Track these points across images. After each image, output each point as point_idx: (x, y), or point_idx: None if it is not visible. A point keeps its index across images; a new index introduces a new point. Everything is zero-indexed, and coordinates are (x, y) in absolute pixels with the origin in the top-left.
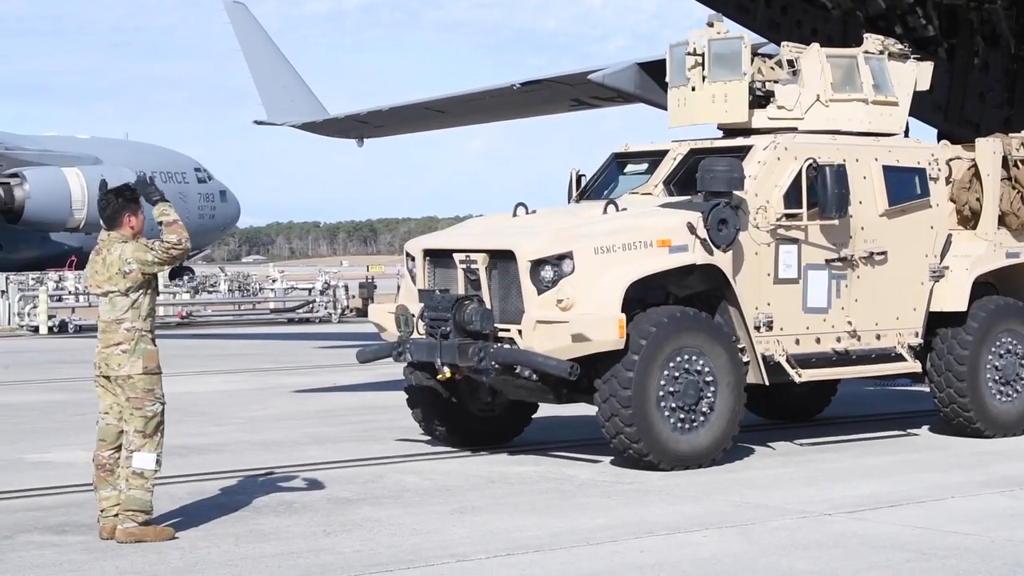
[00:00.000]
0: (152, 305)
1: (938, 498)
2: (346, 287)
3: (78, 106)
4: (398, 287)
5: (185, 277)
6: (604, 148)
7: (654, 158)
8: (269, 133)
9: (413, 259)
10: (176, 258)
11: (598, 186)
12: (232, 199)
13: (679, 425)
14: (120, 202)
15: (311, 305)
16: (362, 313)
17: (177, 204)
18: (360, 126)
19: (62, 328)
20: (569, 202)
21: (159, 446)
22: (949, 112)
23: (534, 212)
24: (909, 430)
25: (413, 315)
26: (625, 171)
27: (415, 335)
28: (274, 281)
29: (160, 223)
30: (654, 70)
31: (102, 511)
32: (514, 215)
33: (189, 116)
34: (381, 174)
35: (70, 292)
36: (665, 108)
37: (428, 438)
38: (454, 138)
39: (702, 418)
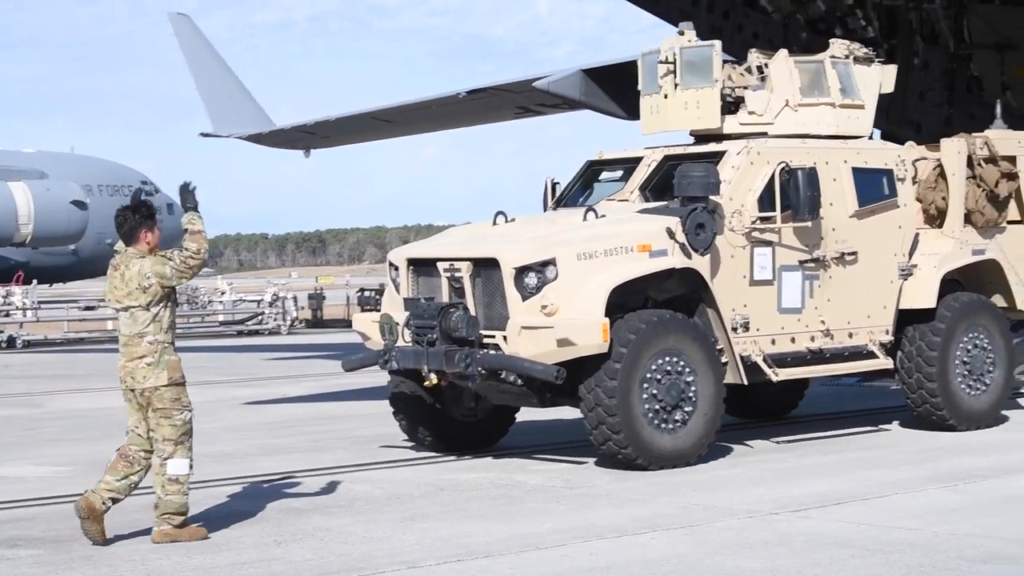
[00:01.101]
0: (172, 317)
1: (883, 495)
2: (295, 299)
3: (25, 119)
4: (347, 297)
5: None
6: (552, 155)
7: (629, 165)
8: (216, 145)
9: (397, 268)
10: (193, 268)
11: (574, 193)
12: (179, 212)
13: (663, 426)
14: (137, 219)
15: (260, 317)
16: (312, 324)
17: None
18: (307, 137)
19: (10, 343)
20: (545, 209)
21: (190, 450)
22: (891, 112)
23: (513, 220)
24: (881, 426)
25: (398, 323)
26: (600, 178)
27: (400, 343)
28: (222, 293)
29: (185, 230)
30: (598, 76)
31: (93, 489)
32: (494, 223)
33: (137, 128)
34: (329, 184)
35: (17, 307)
36: (609, 113)
37: (376, 447)
38: (403, 147)
39: (685, 418)
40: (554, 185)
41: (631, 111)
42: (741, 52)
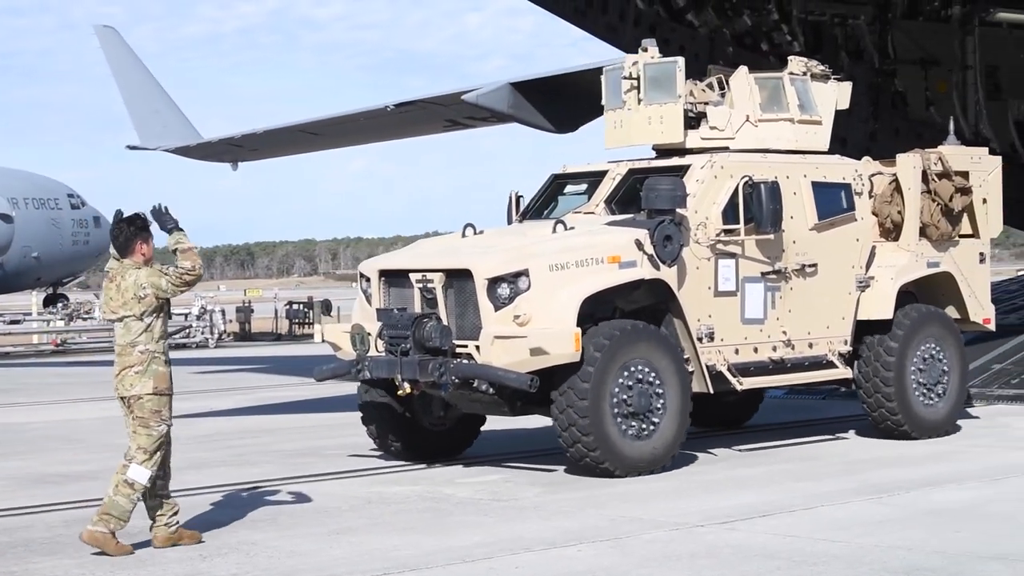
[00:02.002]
0: (164, 328)
1: (808, 507)
2: (223, 312)
3: None
4: (275, 311)
5: (59, 304)
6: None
7: (593, 178)
8: (143, 158)
9: (368, 280)
10: (189, 284)
11: (539, 206)
12: (106, 225)
13: (632, 433)
14: (132, 231)
15: (187, 330)
16: (240, 338)
17: (50, 231)
18: (234, 149)
19: None
20: (510, 222)
21: (156, 466)
22: None
23: (482, 232)
24: (838, 434)
25: (369, 334)
26: (564, 191)
27: (372, 353)
28: None
29: (175, 251)
30: (527, 90)
31: (153, 521)
32: (463, 235)
33: (63, 141)
34: (258, 197)
35: None
36: (537, 127)
37: (303, 460)
38: (332, 160)
39: (653, 426)
40: (518, 198)
41: (559, 124)
42: None
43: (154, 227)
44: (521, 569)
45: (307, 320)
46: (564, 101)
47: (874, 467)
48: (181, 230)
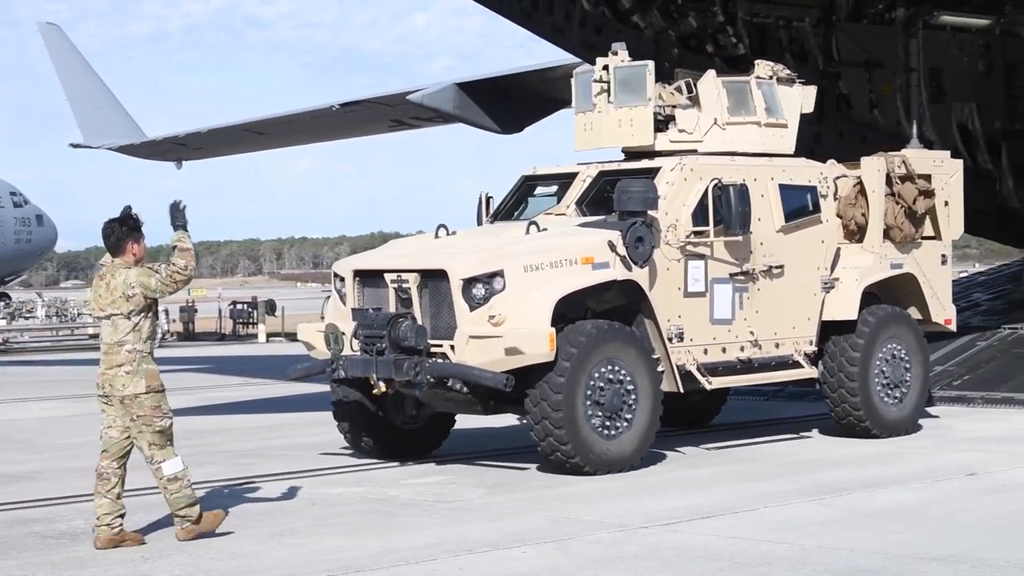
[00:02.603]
0: (153, 328)
1: (752, 508)
2: (166, 311)
3: None
4: (219, 310)
5: (1, 303)
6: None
7: (564, 180)
8: (86, 156)
9: (342, 280)
10: (179, 283)
11: (509, 207)
12: (49, 223)
13: (604, 432)
14: (124, 230)
15: None
16: (183, 337)
17: None
18: (178, 148)
19: None
20: (480, 223)
21: (175, 451)
22: None
23: (454, 233)
24: (802, 433)
25: (343, 333)
26: (535, 193)
27: (347, 352)
28: None
29: (174, 247)
30: (473, 90)
31: (97, 519)
32: (436, 236)
33: (6, 139)
34: (202, 196)
35: None
36: (482, 127)
37: (246, 461)
38: (278, 159)
39: (625, 424)
40: (488, 199)
41: (505, 125)
42: None
43: (148, 226)
44: (464, 571)
45: (251, 320)
46: (510, 102)
47: (817, 468)
48: (187, 231)
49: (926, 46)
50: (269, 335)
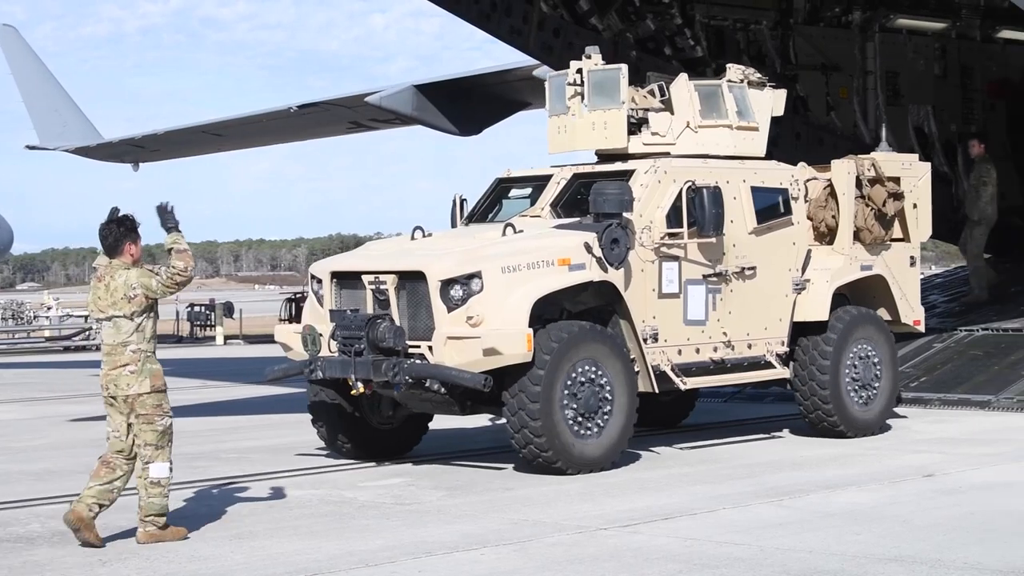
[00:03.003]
0: (155, 328)
1: (710, 509)
2: None
3: None
4: (176, 312)
5: None
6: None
7: (538, 182)
8: (43, 158)
9: (319, 281)
10: (180, 284)
11: (483, 210)
12: (4, 225)
13: (582, 432)
14: (121, 231)
15: (87, 332)
16: None
17: None
18: (135, 150)
19: None
20: (454, 225)
21: (170, 456)
22: None
23: (431, 235)
24: (773, 433)
25: (321, 334)
26: (509, 195)
27: (324, 353)
28: (49, 309)
29: (170, 250)
30: (431, 92)
31: (78, 498)
32: (412, 238)
33: None
34: (159, 198)
35: None
36: (440, 129)
37: (203, 463)
38: (235, 161)
39: (601, 424)
40: (463, 201)
41: (462, 127)
42: None
43: (143, 227)
44: (423, 573)
45: (209, 322)
46: (468, 104)
47: (776, 470)
48: (180, 231)
49: (882, 49)
50: (227, 337)
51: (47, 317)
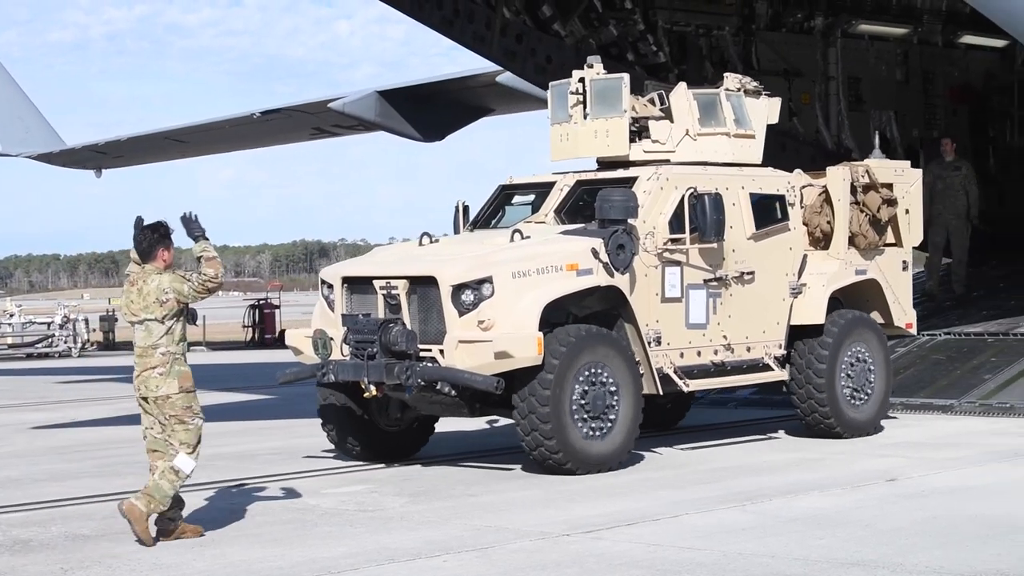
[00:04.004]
0: (184, 331)
1: (673, 515)
2: (86, 321)
3: None
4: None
5: None
6: (350, 176)
7: (541, 189)
8: (4, 164)
9: (330, 286)
10: (211, 291)
11: (487, 216)
12: None
13: (590, 433)
14: (155, 237)
15: (50, 339)
16: (104, 347)
17: None
18: (98, 156)
19: None
20: (456, 231)
21: (198, 457)
22: None
23: (437, 241)
24: (769, 434)
25: (332, 338)
26: (512, 202)
27: (335, 357)
28: (11, 315)
29: (199, 258)
30: (394, 98)
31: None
32: (420, 244)
33: None
34: (123, 204)
35: None
36: (404, 135)
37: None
38: (200, 167)
39: (609, 425)
40: (465, 208)
41: (425, 133)
42: (534, 76)
43: (176, 234)
44: None
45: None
46: (431, 110)
47: (738, 475)
48: (207, 239)
49: (844, 55)
50: (190, 344)
51: (10, 324)
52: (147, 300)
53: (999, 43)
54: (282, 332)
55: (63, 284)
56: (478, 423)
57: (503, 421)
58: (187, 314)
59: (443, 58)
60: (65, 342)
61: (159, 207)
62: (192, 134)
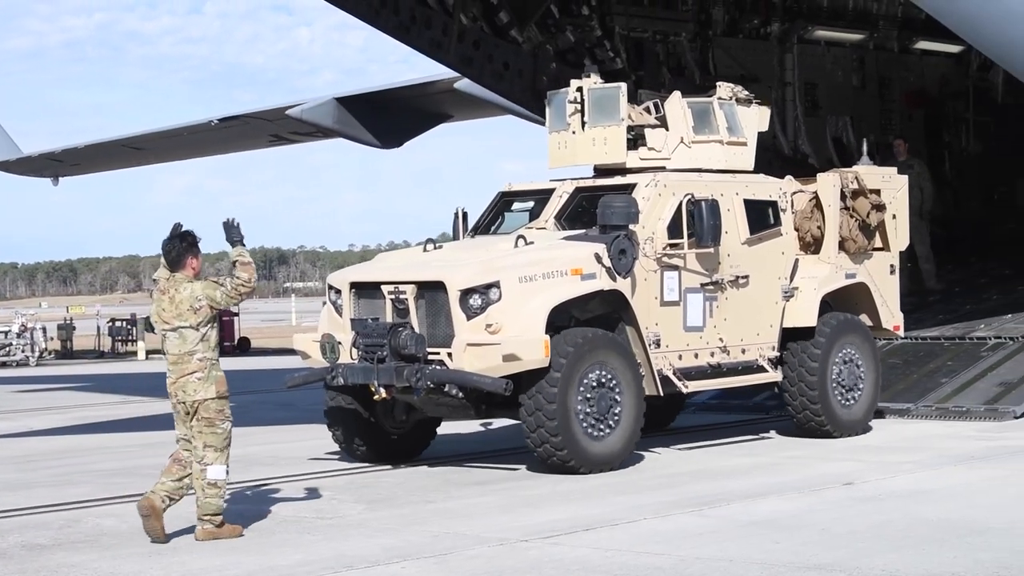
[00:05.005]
0: (218, 337)
1: (631, 520)
2: (44, 329)
3: None
4: (98, 328)
5: None
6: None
7: (541, 196)
8: None
9: (338, 292)
10: (244, 295)
11: (487, 222)
12: None
13: (594, 432)
14: (184, 246)
15: (8, 348)
16: (61, 356)
17: None
18: (55, 164)
19: None
20: (455, 236)
21: (228, 459)
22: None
23: (440, 247)
24: (761, 434)
25: (339, 343)
26: (512, 208)
27: (343, 360)
28: None
29: (235, 263)
30: (352, 104)
31: (152, 490)
32: (424, 249)
33: None
34: (81, 213)
35: None
36: (362, 141)
37: (123, 480)
38: (158, 174)
39: (612, 425)
40: (464, 214)
41: (384, 139)
42: (492, 82)
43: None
44: None
45: (130, 337)
46: (389, 116)
47: (696, 479)
48: (244, 245)
49: (801, 60)
50: (148, 352)
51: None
52: (180, 308)
53: (954, 48)
54: (241, 340)
55: (21, 292)
56: (470, 427)
57: (498, 423)
58: (218, 319)
59: (403, 65)
60: (23, 351)
61: (117, 214)
62: (149, 141)
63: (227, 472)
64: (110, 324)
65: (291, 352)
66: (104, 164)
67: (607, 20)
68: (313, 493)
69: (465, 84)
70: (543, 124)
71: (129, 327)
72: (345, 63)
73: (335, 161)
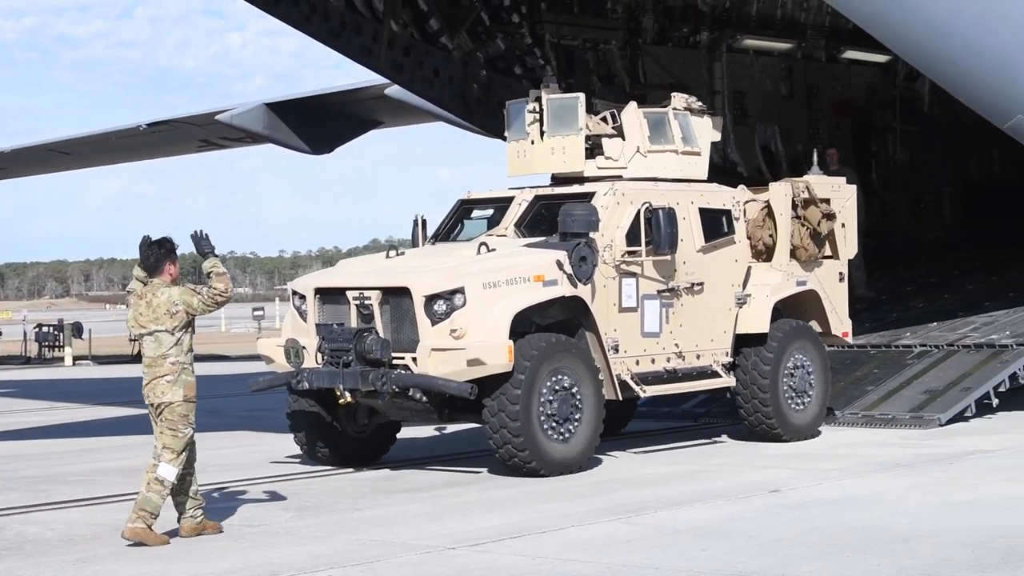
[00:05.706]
0: (191, 342)
1: (558, 527)
2: None
3: None
4: (24, 333)
5: None
6: (241, 188)
7: (500, 204)
8: None
9: (302, 297)
10: (220, 304)
11: (447, 230)
12: None
13: (555, 436)
14: (162, 252)
15: None
16: None
17: None
18: None
19: None
20: (415, 244)
21: (182, 464)
22: None
23: (402, 253)
24: (713, 438)
25: (303, 348)
26: (471, 216)
27: (308, 365)
28: None
29: (208, 274)
30: (282, 110)
31: (182, 513)
32: (387, 256)
33: None
34: (7, 217)
35: None
36: (291, 147)
37: (48, 487)
38: (86, 179)
39: (573, 429)
40: (424, 222)
41: (314, 145)
42: (422, 88)
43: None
44: None
45: (57, 343)
46: (320, 122)
47: (624, 487)
48: (217, 256)
49: (729, 69)
50: (76, 358)
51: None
52: (157, 312)
53: (881, 58)
54: None
55: None
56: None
57: (452, 428)
58: (193, 325)
59: (335, 71)
60: None
61: (45, 219)
62: (77, 146)
63: (176, 475)
64: (37, 329)
65: (220, 358)
66: (32, 168)
67: (537, 28)
68: (240, 500)
69: (395, 91)
70: (473, 131)
71: (56, 333)
72: (277, 68)
73: (265, 167)
